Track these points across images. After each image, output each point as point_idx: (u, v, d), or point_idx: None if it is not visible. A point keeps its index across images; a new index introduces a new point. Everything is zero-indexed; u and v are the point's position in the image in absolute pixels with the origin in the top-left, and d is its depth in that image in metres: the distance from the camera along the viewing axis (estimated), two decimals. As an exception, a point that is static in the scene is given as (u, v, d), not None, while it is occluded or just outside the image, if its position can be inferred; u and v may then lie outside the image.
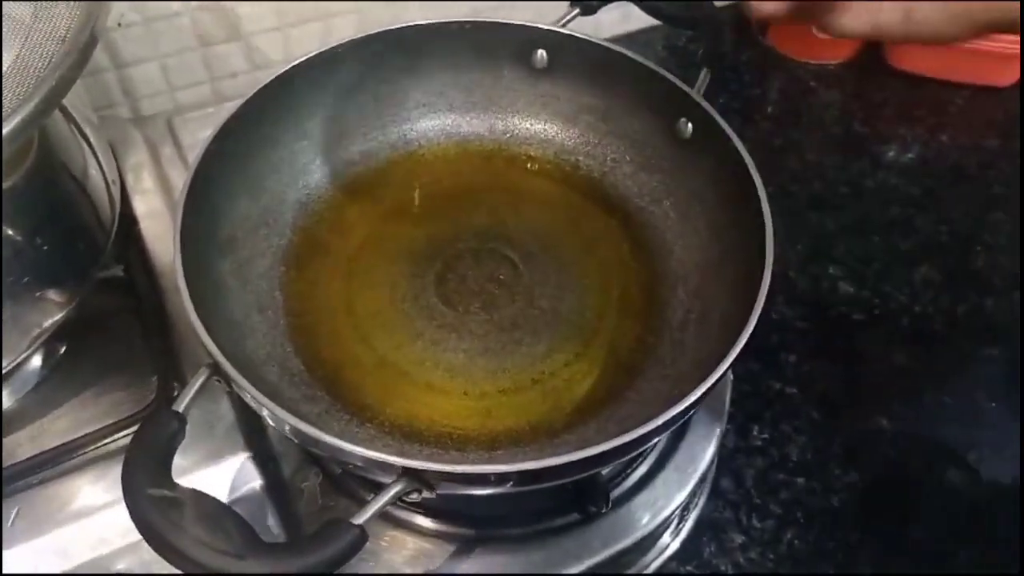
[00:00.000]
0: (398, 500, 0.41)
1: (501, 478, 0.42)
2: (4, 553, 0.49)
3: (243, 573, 0.36)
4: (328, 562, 0.38)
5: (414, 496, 0.42)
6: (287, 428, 0.43)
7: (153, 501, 0.38)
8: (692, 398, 0.43)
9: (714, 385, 0.44)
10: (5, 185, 0.47)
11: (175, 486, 0.39)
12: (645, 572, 0.58)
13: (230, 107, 0.55)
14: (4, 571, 0.49)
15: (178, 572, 0.38)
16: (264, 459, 0.54)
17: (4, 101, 0.40)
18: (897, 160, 0.86)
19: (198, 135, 0.71)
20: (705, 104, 0.55)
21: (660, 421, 0.43)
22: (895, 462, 0.65)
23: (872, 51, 0.94)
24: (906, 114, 0.90)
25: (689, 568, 0.60)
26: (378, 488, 0.42)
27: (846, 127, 0.88)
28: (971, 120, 0.90)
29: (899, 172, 0.85)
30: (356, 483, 0.53)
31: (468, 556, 0.53)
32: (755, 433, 0.66)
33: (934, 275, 0.76)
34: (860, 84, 0.93)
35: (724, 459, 0.64)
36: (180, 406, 0.43)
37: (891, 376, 0.70)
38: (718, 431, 0.58)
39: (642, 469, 0.56)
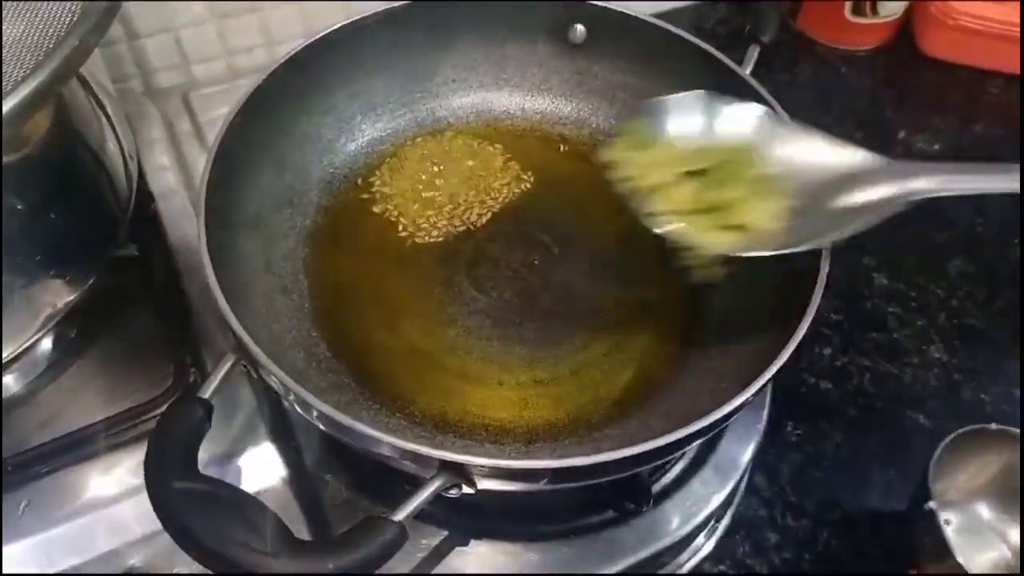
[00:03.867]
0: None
1: (548, 474, 0.40)
2: (14, 546, 0.47)
3: (277, 572, 0.34)
4: (366, 561, 0.36)
5: (453, 492, 0.40)
6: (315, 414, 0.41)
7: (180, 493, 0.36)
8: (745, 396, 0.41)
9: (767, 383, 0.42)
10: (23, 154, 0.44)
11: (203, 477, 0.37)
12: (679, 572, 0.56)
13: (253, 80, 0.53)
14: (14, 565, 0.47)
15: (199, 567, 0.36)
16: (287, 450, 0.52)
17: (22, 65, 0.38)
18: (929, 149, 0.83)
19: (215, 111, 0.69)
20: (755, 83, 0.53)
21: (709, 420, 0.41)
22: (934, 460, 0.63)
23: (904, 38, 0.91)
24: (938, 102, 0.88)
25: (722, 568, 0.58)
26: (409, 481, 0.40)
27: (877, 114, 0.86)
28: (1005, 109, 0.87)
29: (932, 160, 0.82)
30: (384, 475, 0.51)
31: (497, 553, 0.51)
32: (789, 429, 0.64)
33: (970, 268, 0.74)
34: (891, 71, 0.90)
35: (758, 455, 0.61)
36: (206, 393, 0.40)
37: (928, 371, 0.68)
38: (759, 429, 0.56)
39: (680, 466, 0.54)
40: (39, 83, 0.37)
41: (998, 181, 0.46)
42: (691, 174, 0.47)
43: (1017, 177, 0.44)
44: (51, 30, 0.40)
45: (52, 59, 0.38)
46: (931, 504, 0.51)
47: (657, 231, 0.46)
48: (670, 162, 0.47)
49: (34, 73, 0.38)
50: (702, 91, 0.51)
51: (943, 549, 0.49)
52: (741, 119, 0.50)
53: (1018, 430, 0.53)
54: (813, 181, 0.48)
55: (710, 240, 0.46)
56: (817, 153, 0.49)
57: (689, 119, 0.50)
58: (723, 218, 0.46)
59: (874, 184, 0.46)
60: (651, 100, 0.50)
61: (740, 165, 0.47)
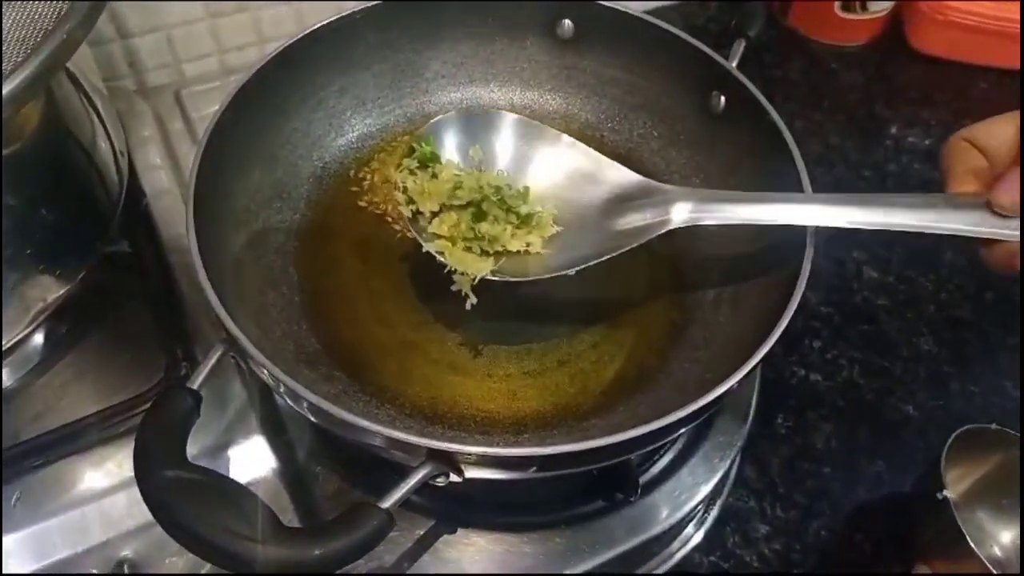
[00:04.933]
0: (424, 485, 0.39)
1: (534, 462, 0.40)
2: (6, 539, 0.47)
3: (265, 558, 0.34)
4: (353, 547, 0.36)
5: (441, 480, 0.41)
6: (305, 406, 0.41)
7: (170, 482, 0.36)
8: (729, 384, 0.41)
9: (751, 371, 0.42)
10: (12, 150, 0.44)
11: (192, 466, 0.37)
12: (669, 562, 0.56)
13: (242, 76, 0.53)
14: (5, 557, 0.47)
15: (190, 557, 0.36)
16: (277, 442, 0.52)
17: (9, 56, 0.38)
18: (921, 144, 0.84)
19: (207, 109, 0.69)
20: (741, 76, 0.53)
21: (695, 407, 0.41)
22: (923, 451, 0.63)
23: (894, 34, 0.92)
24: (929, 97, 0.88)
25: (712, 558, 0.58)
26: (399, 472, 0.40)
27: (869, 110, 0.86)
28: (996, 104, 0.86)
29: (923, 156, 0.82)
30: (374, 467, 0.51)
31: (488, 542, 0.51)
32: (779, 421, 0.64)
33: (960, 261, 0.74)
34: (882, 66, 0.90)
35: (748, 446, 0.62)
36: (195, 383, 0.41)
37: (917, 363, 0.68)
38: (747, 420, 0.56)
39: (669, 456, 0.54)
40: (26, 76, 0.38)
41: (753, 212, 0.47)
42: (463, 205, 0.51)
43: (774, 208, 0.47)
44: (38, 25, 0.40)
45: (39, 53, 0.38)
46: (945, 492, 0.51)
47: (425, 248, 0.50)
48: (443, 193, 0.51)
49: (21, 66, 0.38)
50: (497, 111, 0.55)
51: (956, 537, 0.49)
52: (521, 137, 0.54)
53: (1016, 432, 0.54)
54: (583, 208, 0.52)
55: (469, 264, 0.50)
56: (589, 178, 0.53)
57: (470, 139, 0.54)
58: (488, 245, 0.51)
59: (639, 210, 0.50)
60: (440, 118, 0.53)
61: (509, 201, 0.51)
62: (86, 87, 0.57)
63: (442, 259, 0.50)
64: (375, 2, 0.57)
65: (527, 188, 0.53)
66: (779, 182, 0.50)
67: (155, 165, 0.65)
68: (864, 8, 0.88)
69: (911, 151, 0.83)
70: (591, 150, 0.53)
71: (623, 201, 0.51)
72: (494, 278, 0.50)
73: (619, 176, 0.52)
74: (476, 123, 0.54)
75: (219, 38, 0.75)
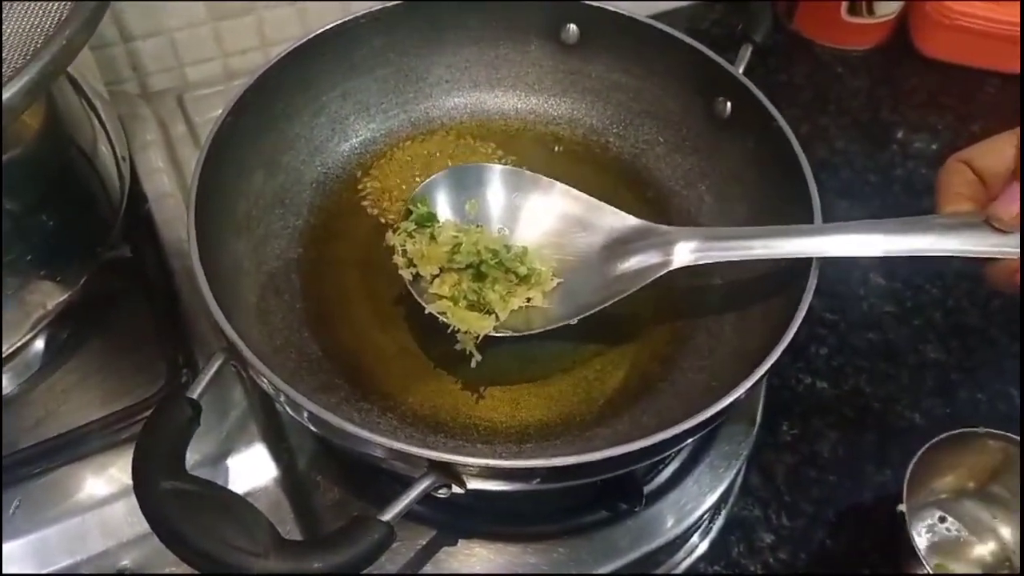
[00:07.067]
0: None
1: (538, 473, 0.40)
2: (5, 546, 0.47)
3: (265, 572, 0.34)
4: (354, 561, 0.36)
5: (443, 492, 0.40)
6: (306, 415, 0.41)
7: (168, 494, 0.35)
8: (736, 394, 0.41)
9: (758, 381, 0.42)
10: (12, 155, 0.44)
11: (190, 478, 0.37)
12: (674, 572, 0.56)
13: (246, 80, 0.52)
14: (5, 565, 0.47)
15: (189, 568, 0.36)
16: (278, 450, 0.52)
17: (10, 60, 0.38)
18: (927, 148, 0.83)
19: (210, 113, 0.68)
20: (748, 82, 0.53)
21: (702, 418, 0.40)
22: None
23: (900, 38, 0.91)
24: (935, 102, 0.87)
25: (717, 568, 0.57)
26: (401, 482, 0.40)
27: (874, 114, 0.86)
28: (1002, 108, 0.87)
29: (929, 161, 0.82)
30: (376, 475, 0.51)
31: (491, 553, 0.50)
32: (785, 428, 0.63)
33: (967, 268, 0.74)
34: (888, 71, 0.90)
35: (753, 455, 0.61)
36: (195, 393, 0.40)
37: (924, 371, 0.67)
38: (753, 429, 0.56)
39: (674, 465, 0.54)
40: (26, 82, 0.37)
41: (756, 248, 0.47)
42: (462, 268, 0.50)
43: (776, 243, 0.46)
44: (40, 29, 0.40)
45: (40, 58, 0.38)
46: (901, 507, 0.51)
47: (428, 310, 0.49)
48: (442, 257, 0.50)
49: (22, 71, 0.37)
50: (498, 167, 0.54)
51: (910, 551, 0.50)
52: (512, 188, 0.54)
53: (1005, 432, 0.54)
54: (582, 256, 0.52)
55: (472, 323, 0.49)
56: (586, 224, 0.52)
57: (464, 194, 0.54)
58: (490, 306, 0.50)
59: (638, 253, 0.50)
60: (432, 177, 0.53)
61: (507, 263, 0.50)
62: (87, 91, 0.56)
63: (444, 320, 0.49)
64: (379, 6, 0.57)
65: (525, 248, 0.52)
66: (785, 188, 0.50)
67: (157, 169, 0.64)
68: (870, 12, 0.87)
69: (917, 156, 0.82)
70: (585, 196, 0.53)
71: (622, 244, 0.51)
72: (497, 334, 0.50)
73: (616, 220, 0.52)
74: (469, 178, 0.54)
75: (222, 42, 0.75)
